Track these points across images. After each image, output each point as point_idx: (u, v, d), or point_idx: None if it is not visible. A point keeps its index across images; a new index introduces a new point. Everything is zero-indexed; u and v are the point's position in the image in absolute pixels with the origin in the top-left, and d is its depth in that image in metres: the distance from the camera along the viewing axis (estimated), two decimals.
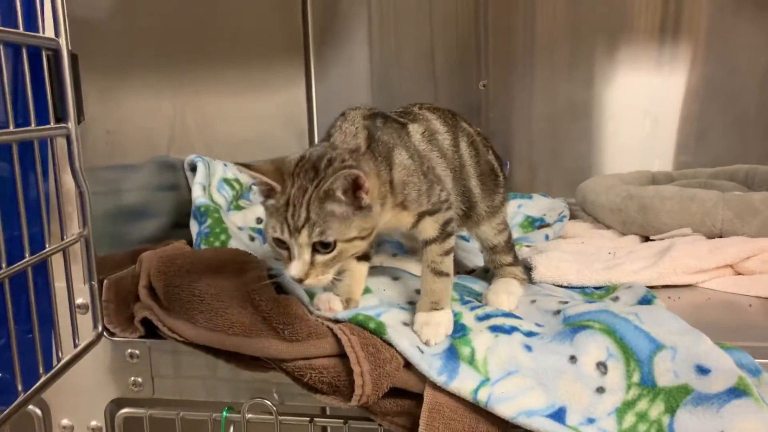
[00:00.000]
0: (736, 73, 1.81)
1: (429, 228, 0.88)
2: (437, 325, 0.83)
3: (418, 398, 0.82)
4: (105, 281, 0.92)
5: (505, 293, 0.98)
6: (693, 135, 1.83)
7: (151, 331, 0.92)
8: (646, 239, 1.29)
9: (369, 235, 0.81)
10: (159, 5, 1.16)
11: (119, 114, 1.00)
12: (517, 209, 1.42)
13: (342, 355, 0.79)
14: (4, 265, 0.69)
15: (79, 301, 0.90)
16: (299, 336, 0.80)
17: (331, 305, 0.87)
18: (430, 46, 1.96)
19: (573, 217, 1.48)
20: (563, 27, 1.89)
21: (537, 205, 1.44)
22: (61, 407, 0.96)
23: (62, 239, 0.84)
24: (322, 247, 0.77)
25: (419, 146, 0.92)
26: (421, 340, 0.82)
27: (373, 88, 2.04)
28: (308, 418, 0.89)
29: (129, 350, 0.92)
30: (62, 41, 0.79)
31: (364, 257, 0.93)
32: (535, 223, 1.35)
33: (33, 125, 0.76)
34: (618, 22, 1.85)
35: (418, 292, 0.93)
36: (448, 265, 0.88)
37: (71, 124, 0.82)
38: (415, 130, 0.94)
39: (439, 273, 0.87)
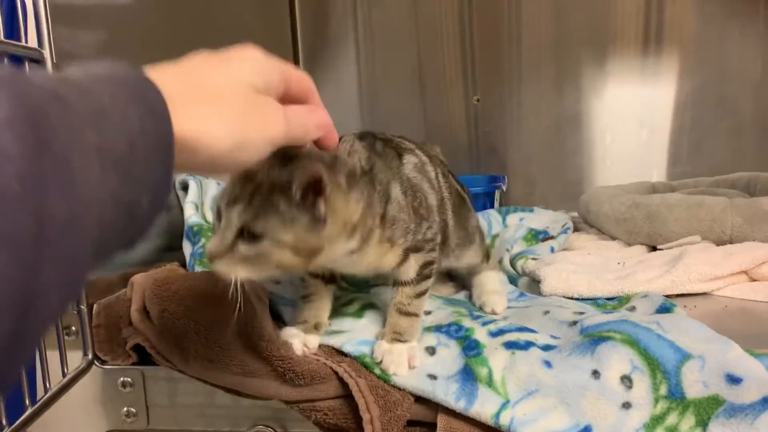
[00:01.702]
0: (729, 81, 1.80)
1: (410, 269, 0.81)
2: (399, 355, 0.77)
3: (426, 425, 0.78)
4: (94, 306, 0.87)
5: (495, 294, 0.98)
6: (689, 144, 1.82)
7: (143, 357, 0.87)
8: (653, 249, 1.26)
9: (307, 256, 0.67)
10: (146, 20, 1.12)
11: None
12: (519, 222, 1.39)
13: (348, 396, 0.75)
14: None
15: (66, 326, 0.85)
16: (302, 381, 0.76)
17: (308, 344, 0.80)
18: (419, 64, 1.94)
19: (576, 229, 1.44)
20: (551, 40, 1.88)
21: (539, 218, 1.41)
22: None
23: None
24: (248, 235, 0.63)
25: (411, 177, 0.85)
26: (384, 370, 0.77)
27: (363, 108, 2.02)
28: None
29: (122, 378, 0.87)
30: (46, 51, 0.75)
31: (331, 279, 0.87)
32: (539, 236, 1.31)
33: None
34: (606, 34, 1.85)
35: None
36: (417, 306, 0.82)
37: (46, 52, 0.76)
38: (408, 160, 0.87)
39: (407, 314, 0.81)
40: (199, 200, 1.12)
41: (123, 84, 0.38)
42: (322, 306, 0.86)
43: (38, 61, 0.74)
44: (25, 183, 0.28)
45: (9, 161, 0.27)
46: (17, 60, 0.71)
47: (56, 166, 0.30)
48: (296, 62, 1.97)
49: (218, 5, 1.55)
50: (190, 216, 1.06)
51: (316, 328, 0.83)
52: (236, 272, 0.64)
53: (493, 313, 0.93)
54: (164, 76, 0.43)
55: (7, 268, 0.27)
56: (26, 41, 0.74)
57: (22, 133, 0.28)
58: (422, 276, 0.82)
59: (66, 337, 0.84)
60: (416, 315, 0.82)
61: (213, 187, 1.19)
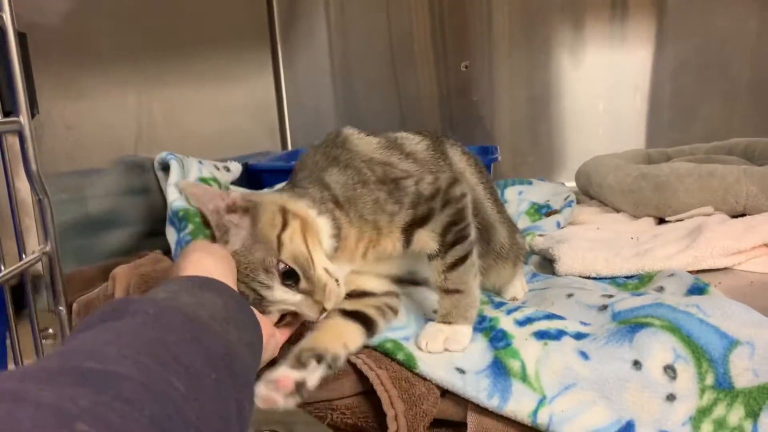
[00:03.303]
0: (724, 46, 1.75)
1: (428, 242, 0.73)
2: (438, 332, 0.72)
3: (453, 425, 0.71)
4: (74, 304, 0.78)
5: (517, 281, 0.92)
6: (684, 110, 1.76)
7: None
8: (661, 221, 1.20)
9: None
10: None
11: (78, 107, 0.85)
12: (518, 196, 1.32)
13: (367, 392, 0.68)
14: None
15: (44, 330, 0.76)
16: None
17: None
18: (409, 28, 1.84)
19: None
20: (546, 3, 1.79)
21: (539, 191, 1.34)
22: None
23: (20, 259, 0.69)
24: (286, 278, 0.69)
25: (369, 156, 0.78)
26: (418, 344, 0.72)
27: (346, 75, 1.92)
28: None
29: None
30: (6, 16, 0.65)
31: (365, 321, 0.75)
32: (542, 210, 1.25)
33: None
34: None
35: None
36: (455, 280, 0.73)
37: (23, 118, 0.67)
38: (367, 142, 0.81)
39: (447, 291, 0.74)
40: None
41: (223, 292, 0.56)
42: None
43: (19, 132, 0.65)
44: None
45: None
46: None
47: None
48: (272, 28, 1.86)
49: None
50: (175, 200, 0.96)
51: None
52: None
53: (514, 299, 0.87)
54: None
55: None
56: None
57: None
58: (448, 243, 0.73)
59: (44, 341, 0.75)
60: (458, 291, 0.73)
61: (195, 167, 1.09)
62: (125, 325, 0.44)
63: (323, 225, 0.72)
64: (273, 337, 0.65)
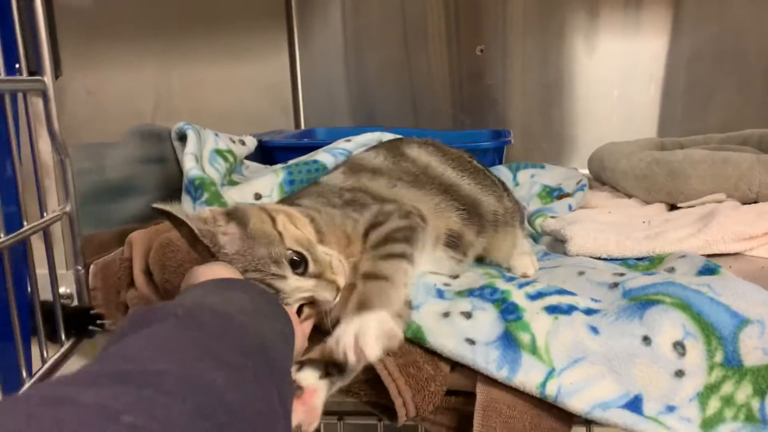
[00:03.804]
0: (738, 35, 1.74)
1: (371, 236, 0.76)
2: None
3: (462, 394, 0.73)
4: (91, 266, 0.79)
5: (525, 255, 0.93)
6: (698, 100, 1.75)
7: None
8: (673, 207, 1.21)
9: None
10: None
11: (99, 73, 0.86)
12: (531, 179, 1.33)
13: (372, 370, 0.68)
14: None
15: (61, 290, 0.77)
16: None
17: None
18: (423, 9, 1.83)
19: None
20: None
21: (551, 175, 1.34)
22: None
23: (42, 218, 0.70)
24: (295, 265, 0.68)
25: (342, 185, 0.85)
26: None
27: (359, 57, 1.92)
28: None
29: None
30: (47, 78, 0.66)
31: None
32: (553, 193, 1.25)
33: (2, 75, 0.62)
34: None
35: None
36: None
37: (47, 79, 0.68)
38: (330, 178, 0.89)
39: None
40: (199, 152, 1.03)
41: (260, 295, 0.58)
42: None
43: (42, 91, 0.65)
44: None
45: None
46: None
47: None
48: (288, 12, 1.86)
49: None
50: (191, 168, 0.97)
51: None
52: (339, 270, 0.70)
53: (524, 276, 0.87)
54: None
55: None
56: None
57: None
58: (389, 239, 0.73)
59: (61, 301, 0.76)
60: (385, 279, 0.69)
61: (211, 139, 1.10)
62: (156, 330, 0.44)
63: (305, 220, 0.73)
64: (299, 327, 0.65)
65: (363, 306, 0.63)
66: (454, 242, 0.84)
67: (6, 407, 0.31)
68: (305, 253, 0.67)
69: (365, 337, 0.60)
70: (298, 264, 0.67)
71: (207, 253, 0.65)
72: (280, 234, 0.67)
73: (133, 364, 0.38)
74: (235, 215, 0.68)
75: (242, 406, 0.39)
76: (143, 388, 0.35)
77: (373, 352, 0.60)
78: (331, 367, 0.67)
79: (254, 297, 0.55)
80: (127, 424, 0.31)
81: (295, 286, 0.66)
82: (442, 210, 0.84)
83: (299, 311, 0.68)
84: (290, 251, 0.66)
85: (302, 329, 0.67)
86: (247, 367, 0.43)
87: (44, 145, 0.73)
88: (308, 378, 0.66)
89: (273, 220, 0.69)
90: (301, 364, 0.67)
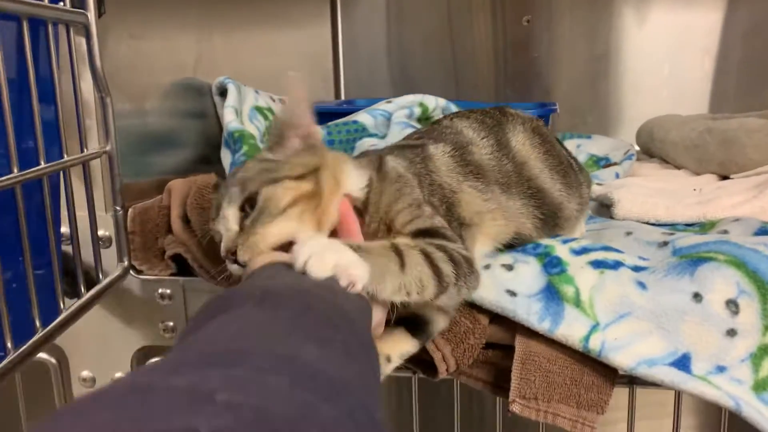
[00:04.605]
0: None
1: None
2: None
3: (500, 348, 0.70)
4: (129, 210, 0.79)
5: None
6: (755, 75, 1.67)
7: (182, 268, 0.80)
8: (724, 179, 1.16)
9: (308, 175, 0.62)
10: None
11: (142, 17, 0.86)
12: (577, 149, 1.29)
13: None
14: (15, 170, 0.56)
15: (100, 232, 0.77)
16: None
17: None
18: None
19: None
20: None
21: (598, 145, 1.30)
22: (80, 357, 0.84)
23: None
24: (248, 206, 0.60)
25: (442, 180, 0.72)
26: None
27: (402, 28, 1.88)
28: None
29: (160, 290, 0.80)
30: (90, 14, 0.66)
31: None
32: (600, 162, 1.21)
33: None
34: None
35: None
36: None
37: (91, 14, 0.67)
38: (439, 155, 0.75)
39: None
40: (239, 106, 1.02)
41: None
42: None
43: (84, 26, 0.64)
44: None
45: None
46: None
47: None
48: None
49: None
50: (231, 121, 0.96)
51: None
52: (256, 244, 0.59)
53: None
54: None
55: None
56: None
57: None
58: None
59: (100, 243, 0.76)
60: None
61: (251, 95, 1.09)
62: (236, 314, 0.42)
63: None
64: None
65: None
66: (515, 242, 0.76)
67: (94, 398, 0.29)
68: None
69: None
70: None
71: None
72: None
73: (217, 347, 0.36)
74: (315, 151, 0.65)
75: (340, 378, 0.37)
76: (232, 367, 0.33)
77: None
78: None
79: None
80: (223, 403, 0.29)
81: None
82: (520, 215, 0.75)
83: None
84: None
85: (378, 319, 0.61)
86: (337, 339, 0.41)
87: (86, 85, 0.73)
88: None
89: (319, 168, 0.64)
90: None
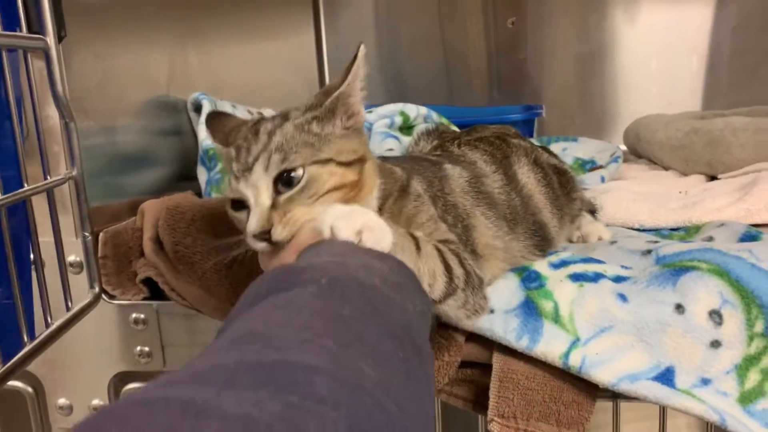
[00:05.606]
0: None
1: None
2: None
3: (480, 366, 0.69)
4: (101, 234, 0.78)
5: (592, 224, 0.88)
6: (744, 71, 1.66)
7: (156, 291, 0.78)
8: (712, 179, 1.14)
9: (354, 163, 0.61)
10: None
11: (107, 36, 0.84)
12: (563, 152, 1.27)
13: None
14: None
15: (70, 258, 0.76)
16: None
17: None
18: None
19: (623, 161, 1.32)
20: None
21: (584, 148, 1.29)
22: (56, 384, 0.82)
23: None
24: (286, 180, 0.58)
25: (461, 204, 0.73)
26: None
27: (391, 32, 1.87)
28: None
29: (134, 315, 0.78)
30: (49, 38, 0.65)
31: None
32: (586, 166, 1.20)
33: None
34: None
35: None
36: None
37: (50, 38, 0.66)
38: (455, 177, 0.76)
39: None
40: None
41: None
42: None
43: (44, 51, 0.63)
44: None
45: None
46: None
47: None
48: None
49: None
50: (204, 138, 0.95)
51: None
52: (294, 223, 0.57)
53: (600, 239, 0.85)
54: None
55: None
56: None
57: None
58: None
59: (70, 269, 0.75)
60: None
61: (228, 110, 1.07)
62: (297, 299, 0.41)
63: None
64: None
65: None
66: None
67: (143, 416, 0.28)
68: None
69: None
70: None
71: None
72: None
73: (274, 351, 0.35)
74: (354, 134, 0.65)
75: (399, 409, 0.36)
76: (290, 390, 0.32)
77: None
78: None
79: (392, 267, 0.50)
80: None
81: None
82: (522, 258, 0.74)
83: None
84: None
85: None
86: (397, 356, 0.40)
87: (52, 110, 0.71)
88: None
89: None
90: None
